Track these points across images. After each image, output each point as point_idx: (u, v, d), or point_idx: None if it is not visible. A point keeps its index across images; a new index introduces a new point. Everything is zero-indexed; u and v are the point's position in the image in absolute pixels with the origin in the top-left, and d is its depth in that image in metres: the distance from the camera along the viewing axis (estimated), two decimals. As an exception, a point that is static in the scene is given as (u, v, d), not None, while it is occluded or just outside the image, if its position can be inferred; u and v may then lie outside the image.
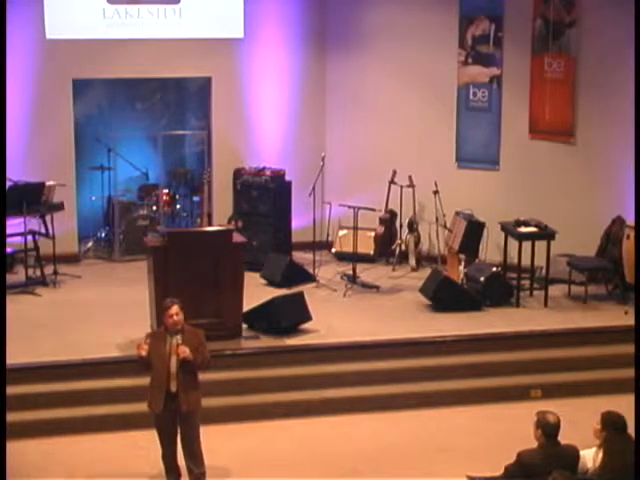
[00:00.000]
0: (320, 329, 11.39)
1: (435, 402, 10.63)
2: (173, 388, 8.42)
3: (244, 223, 13.92)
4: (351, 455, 9.52)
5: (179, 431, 8.60)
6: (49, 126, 13.98)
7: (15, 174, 13.25)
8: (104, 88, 15.39)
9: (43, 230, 13.10)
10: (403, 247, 14.22)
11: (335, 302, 12.54)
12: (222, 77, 14.53)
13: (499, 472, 7.66)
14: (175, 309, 8.42)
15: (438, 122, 14.19)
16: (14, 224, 12.90)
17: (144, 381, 10.10)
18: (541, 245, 12.46)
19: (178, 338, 8.41)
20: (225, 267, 10.79)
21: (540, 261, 12.59)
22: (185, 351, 8.32)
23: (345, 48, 14.56)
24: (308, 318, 11.40)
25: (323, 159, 13.63)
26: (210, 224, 14.30)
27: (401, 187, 14.04)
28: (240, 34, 14.46)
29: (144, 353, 8.37)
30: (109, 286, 13.14)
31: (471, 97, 14.01)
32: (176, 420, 8.54)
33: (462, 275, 12.84)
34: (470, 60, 13.93)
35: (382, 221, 14.13)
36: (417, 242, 14.18)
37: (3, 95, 13.30)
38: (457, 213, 13.37)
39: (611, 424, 7.54)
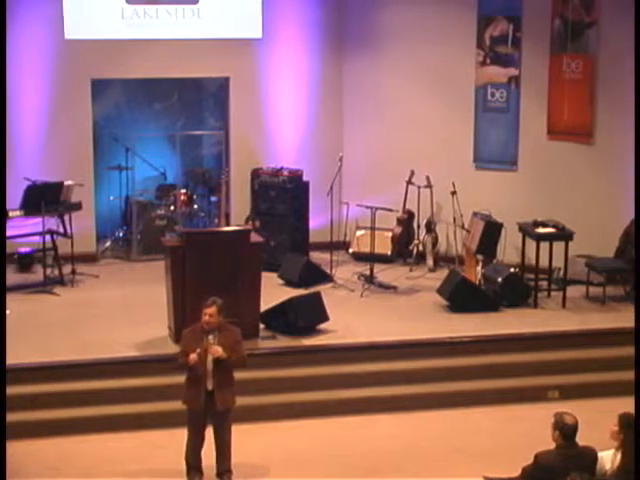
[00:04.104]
0: (337, 329, 11.38)
1: (452, 403, 10.61)
2: (210, 386, 8.56)
3: (262, 223, 13.93)
4: (368, 456, 9.51)
5: (212, 428, 8.68)
6: (68, 126, 14.03)
7: (34, 174, 13.29)
8: (122, 88, 15.41)
9: (61, 230, 13.14)
10: (420, 247, 14.21)
11: (352, 302, 12.53)
12: (240, 77, 14.55)
13: (516, 473, 7.66)
14: (211, 310, 8.55)
15: (456, 123, 14.16)
16: (32, 224, 12.95)
17: (160, 381, 10.19)
18: (559, 246, 12.42)
19: (212, 337, 8.53)
20: (243, 267, 10.79)
21: (558, 262, 12.55)
22: (218, 350, 8.46)
23: (363, 49, 14.55)
24: (325, 318, 11.39)
25: (341, 159, 13.64)
26: (228, 224, 14.33)
27: (419, 187, 14.02)
28: (258, 34, 14.48)
29: (192, 364, 8.48)
30: (126, 286, 13.17)
31: (489, 98, 13.98)
32: (208, 418, 8.63)
33: (479, 276, 12.81)
34: (488, 60, 13.90)
35: (400, 221, 14.11)
36: (434, 243, 14.16)
37: (3, 95, 13.30)
38: (475, 214, 13.34)
39: (629, 425, 7.51)
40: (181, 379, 8.91)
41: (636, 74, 12.33)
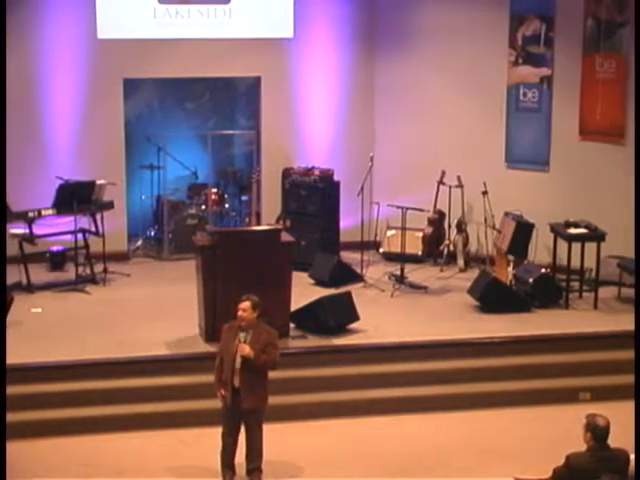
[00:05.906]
0: (367, 329, 11.37)
1: (483, 404, 10.57)
2: (236, 384, 8.55)
3: (292, 223, 13.94)
4: (397, 456, 9.50)
5: (243, 427, 8.69)
6: (100, 125, 14.10)
7: (66, 173, 13.38)
8: (154, 88, 15.48)
9: (93, 228, 13.20)
10: (451, 248, 14.18)
11: (383, 302, 12.52)
12: (271, 77, 14.57)
13: (547, 475, 7.61)
14: (244, 305, 8.54)
15: (487, 122, 14.13)
16: (65, 222, 13.02)
17: (191, 379, 10.23)
18: (591, 246, 12.36)
19: (243, 335, 8.53)
20: (273, 266, 10.80)
21: (590, 263, 12.49)
22: (244, 349, 8.45)
23: (394, 48, 14.54)
24: (356, 318, 11.39)
25: (372, 159, 13.62)
26: (259, 223, 14.35)
27: (450, 187, 13.99)
28: (290, 34, 14.49)
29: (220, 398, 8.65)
30: (158, 285, 13.22)
31: (521, 97, 13.93)
32: (238, 416, 8.63)
33: (511, 276, 12.77)
34: (520, 60, 13.86)
35: (430, 221, 14.09)
36: (465, 243, 14.13)
37: (3, 94, 13.35)
38: (506, 214, 13.30)
39: (661, 428, 7.47)
40: (211, 378, 8.92)
41: (636, 72, 12.26)
